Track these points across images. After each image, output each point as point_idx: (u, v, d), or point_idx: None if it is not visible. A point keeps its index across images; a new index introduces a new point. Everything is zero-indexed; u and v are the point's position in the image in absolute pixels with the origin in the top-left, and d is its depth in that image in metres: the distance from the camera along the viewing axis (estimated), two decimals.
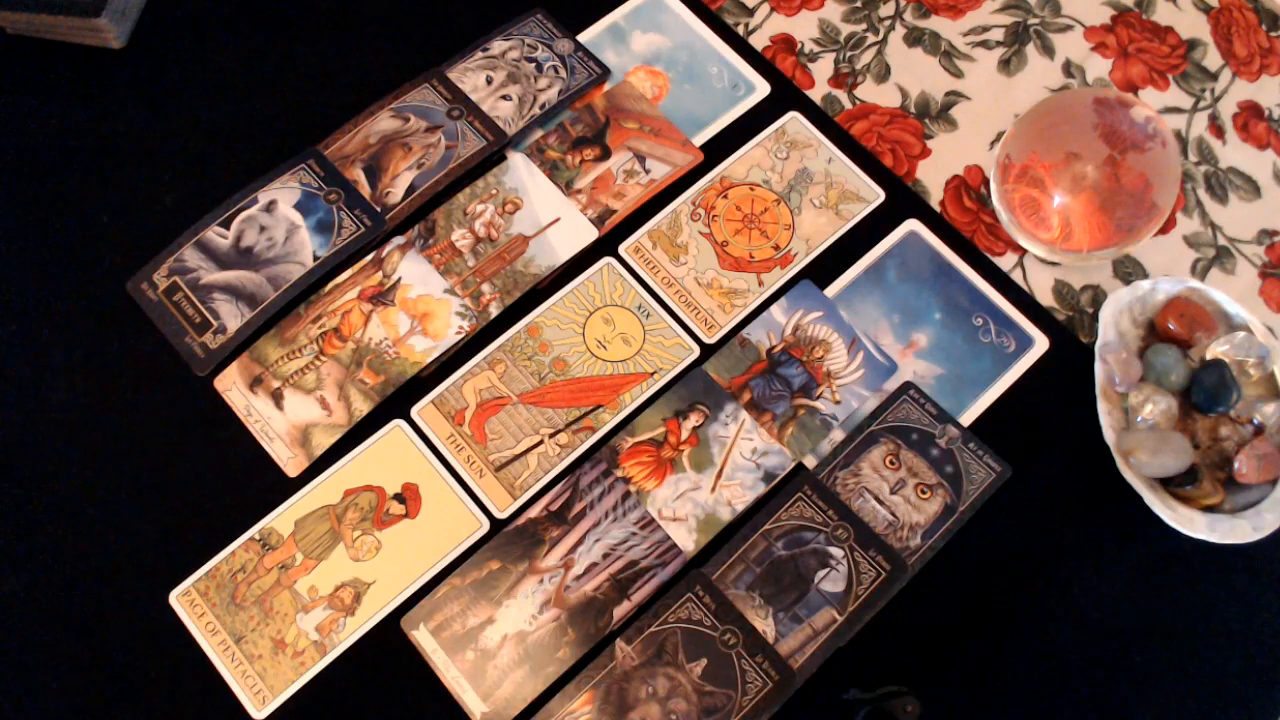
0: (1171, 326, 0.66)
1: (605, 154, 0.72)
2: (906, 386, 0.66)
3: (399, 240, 0.69)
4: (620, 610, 0.60)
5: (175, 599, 0.61)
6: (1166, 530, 0.62)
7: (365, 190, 0.70)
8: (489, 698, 0.58)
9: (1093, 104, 0.67)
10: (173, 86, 0.75)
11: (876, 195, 0.72)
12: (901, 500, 0.63)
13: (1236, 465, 0.62)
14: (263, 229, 0.69)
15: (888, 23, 0.78)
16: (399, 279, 0.68)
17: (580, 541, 0.61)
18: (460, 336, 0.66)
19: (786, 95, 0.75)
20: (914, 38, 0.78)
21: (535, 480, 0.63)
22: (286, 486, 0.63)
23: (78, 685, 0.59)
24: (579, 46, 0.75)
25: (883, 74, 0.76)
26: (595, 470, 0.63)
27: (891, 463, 0.64)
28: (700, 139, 0.73)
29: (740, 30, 0.77)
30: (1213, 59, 0.78)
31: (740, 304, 0.68)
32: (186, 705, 0.59)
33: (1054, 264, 0.71)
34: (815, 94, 0.75)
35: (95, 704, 0.59)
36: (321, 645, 0.60)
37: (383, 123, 0.72)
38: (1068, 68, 0.77)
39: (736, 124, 0.74)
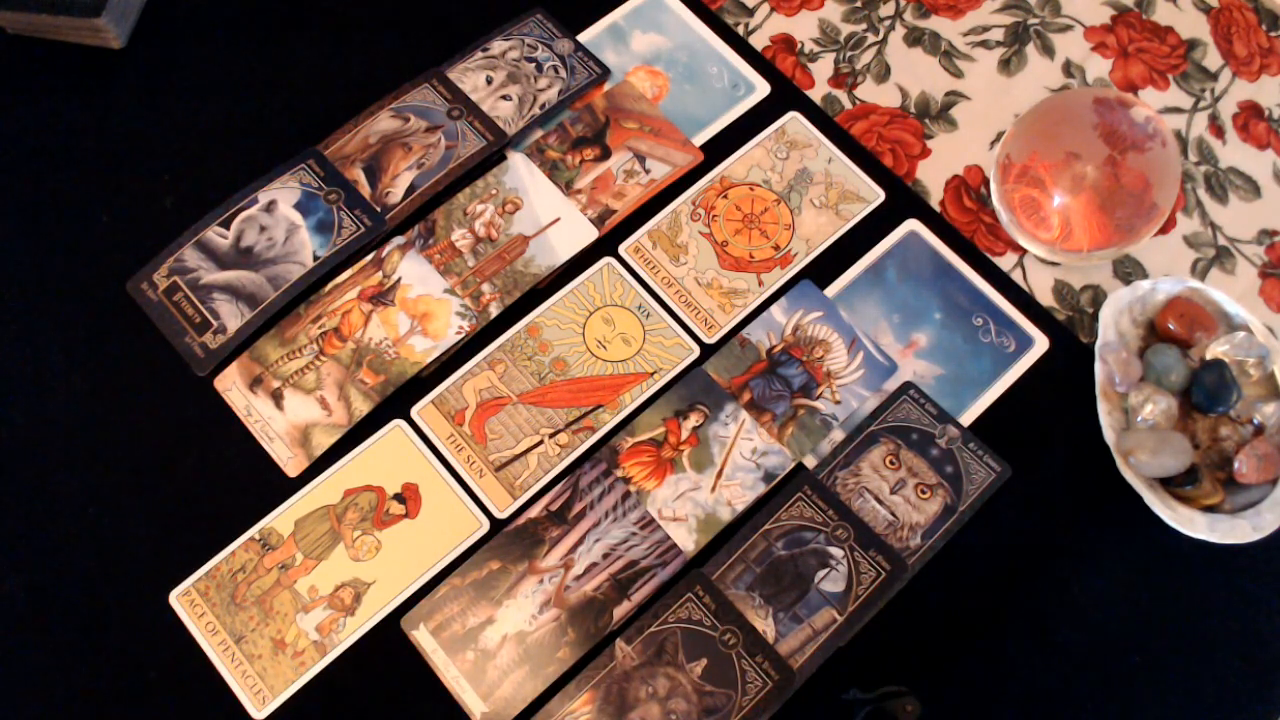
0: (1171, 326, 0.66)
1: (605, 154, 0.72)
2: (906, 386, 0.66)
3: (399, 240, 0.69)
4: (620, 610, 0.60)
5: (175, 599, 0.61)
6: (1166, 530, 0.62)
7: (365, 190, 0.70)
8: (489, 698, 0.58)
9: (1093, 104, 0.67)
10: (173, 86, 0.75)
11: (876, 195, 0.72)
12: (901, 500, 0.63)
13: (1236, 465, 0.62)
14: (263, 229, 0.69)
15: (888, 23, 0.78)
16: (399, 279, 0.68)
17: (580, 541, 0.61)
18: (460, 336, 0.66)
19: (786, 95, 0.75)
20: (914, 38, 0.78)
21: (535, 480, 0.63)
22: (286, 486, 0.63)
23: (78, 685, 0.59)
24: (579, 46, 0.75)
25: (883, 74, 0.76)
26: (595, 470, 0.63)
27: (891, 463, 0.64)
28: (700, 139, 0.73)
29: (740, 30, 0.77)
30: (1213, 59, 0.78)
31: (740, 304, 0.68)
32: (186, 705, 0.59)
33: (1054, 264, 0.71)
34: (815, 94, 0.75)
35: (95, 704, 0.59)
36: (321, 645, 0.60)
37: (383, 123, 0.72)
38: (1068, 68, 0.77)
39: (736, 124, 0.74)
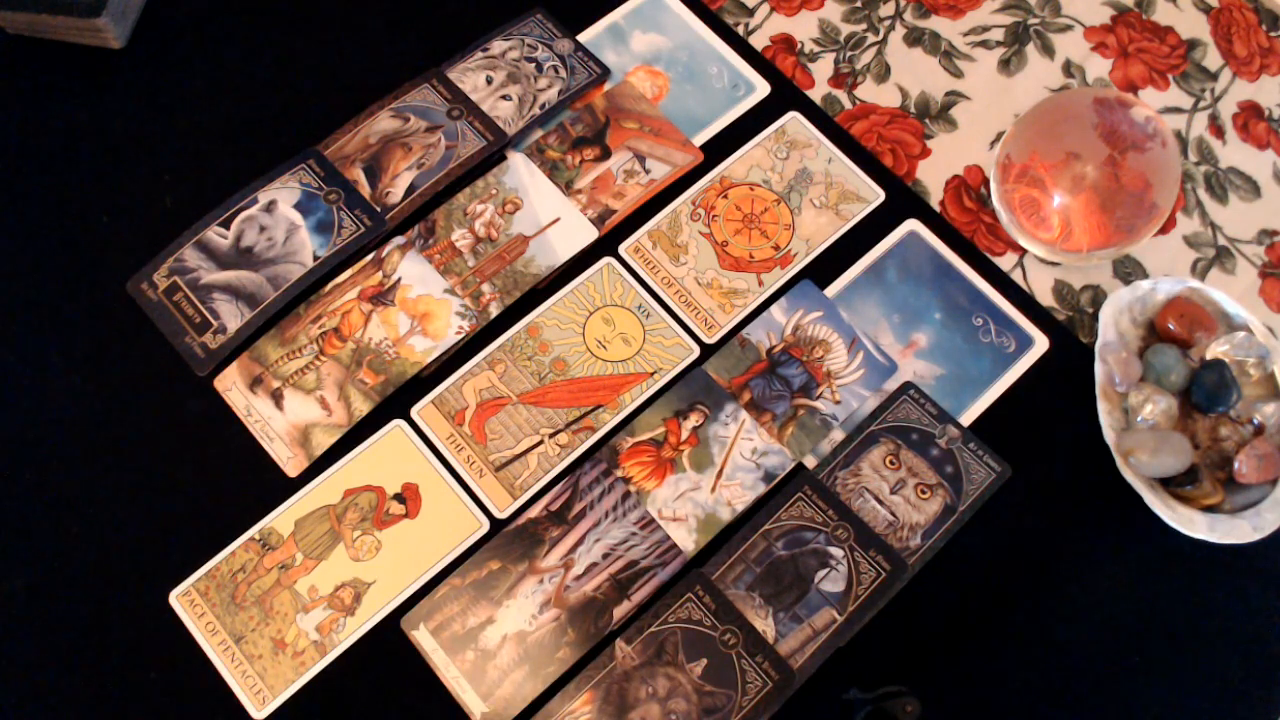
0: (1171, 326, 0.66)
1: (605, 154, 0.72)
2: (906, 386, 0.66)
3: (399, 240, 0.69)
4: (620, 610, 0.60)
5: (175, 599, 0.61)
6: (1166, 530, 0.62)
7: (365, 190, 0.70)
8: (489, 698, 0.58)
9: (1093, 104, 0.67)
10: (173, 86, 0.75)
11: (876, 195, 0.72)
12: (901, 500, 0.63)
13: (1236, 465, 0.62)
14: (263, 229, 0.69)
15: (888, 23, 0.78)
16: (399, 279, 0.68)
17: (580, 541, 0.61)
18: (460, 336, 0.66)
19: (786, 95, 0.75)
20: (914, 38, 0.78)
21: (535, 480, 0.63)
22: (286, 486, 0.63)
23: (78, 685, 0.59)
24: (579, 46, 0.75)
25: (883, 74, 0.76)
26: (595, 470, 0.63)
27: (891, 463, 0.64)
28: (700, 139, 0.73)
29: (740, 30, 0.77)
30: (1213, 59, 0.78)
31: (740, 304, 0.68)
32: (186, 705, 0.59)
33: (1054, 264, 0.71)
34: (815, 94, 0.75)
35: (95, 704, 0.59)
36: (321, 645, 0.60)
37: (383, 123, 0.72)
38: (1068, 68, 0.77)
39: (736, 124, 0.74)
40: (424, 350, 0.66)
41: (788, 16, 0.78)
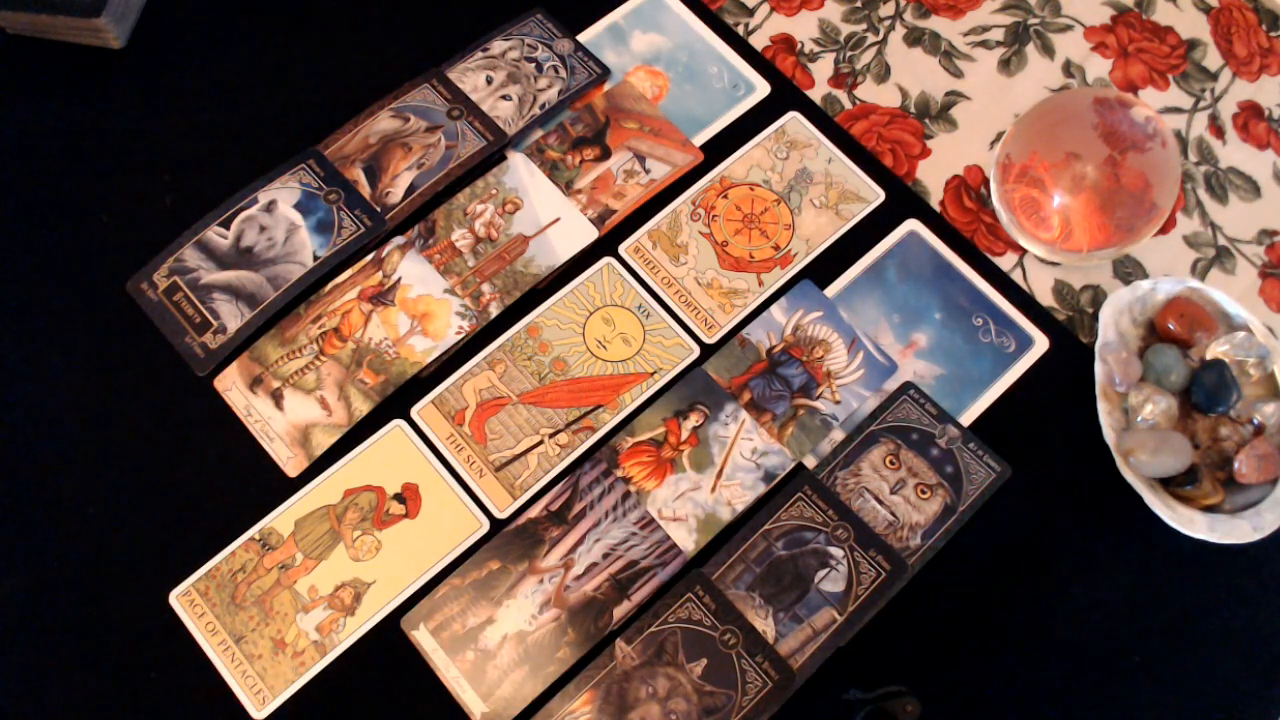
0: (1171, 326, 0.66)
1: (605, 154, 0.72)
2: (906, 386, 0.66)
3: (399, 240, 0.69)
4: (620, 610, 0.60)
5: (175, 599, 0.61)
6: (1166, 530, 0.62)
7: (365, 190, 0.70)
8: (489, 698, 0.58)
9: (1093, 104, 0.67)
10: (173, 86, 0.75)
11: (876, 195, 0.72)
12: (901, 500, 0.63)
13: (1236, 465, 0.62)
14: (263, 229, 0.69)
15: (888, 23, 0.78)
16: (399, 279, 0.68)
17: (580, 541, 0.61)
18: (460, 336, 0.66)
19: (786, 95, 0.75)
20: (914, 38, 0.78)
21: (535, 480, 0.63)
22: (286, 486, 0.63)
23: (78, 685, 0.59)
24: (579, 46, 0.75)
25: (883, 74, 0.76)
26: (595, 470, 0.63)
27: (891, 463, 0.64)
28: (700, 139, 0.73)
29: (740, 30, 0.77)
30: (1213, 59, 0.78)
31: (740, 304, 0.68)
32: (186, 705, 0.59)
33: (1054, 264, 0.71)
34: (815, 94, 0.75)
35: (95, 704, 0.59)
36: (321, 645, 0.60)
37: (383, 123, 0.72)
38: (1068, 68, 0.77)
39: (736, 124, 0.74)
40: (424, 350, 0.66)
41: (788, 16, 0.78)
